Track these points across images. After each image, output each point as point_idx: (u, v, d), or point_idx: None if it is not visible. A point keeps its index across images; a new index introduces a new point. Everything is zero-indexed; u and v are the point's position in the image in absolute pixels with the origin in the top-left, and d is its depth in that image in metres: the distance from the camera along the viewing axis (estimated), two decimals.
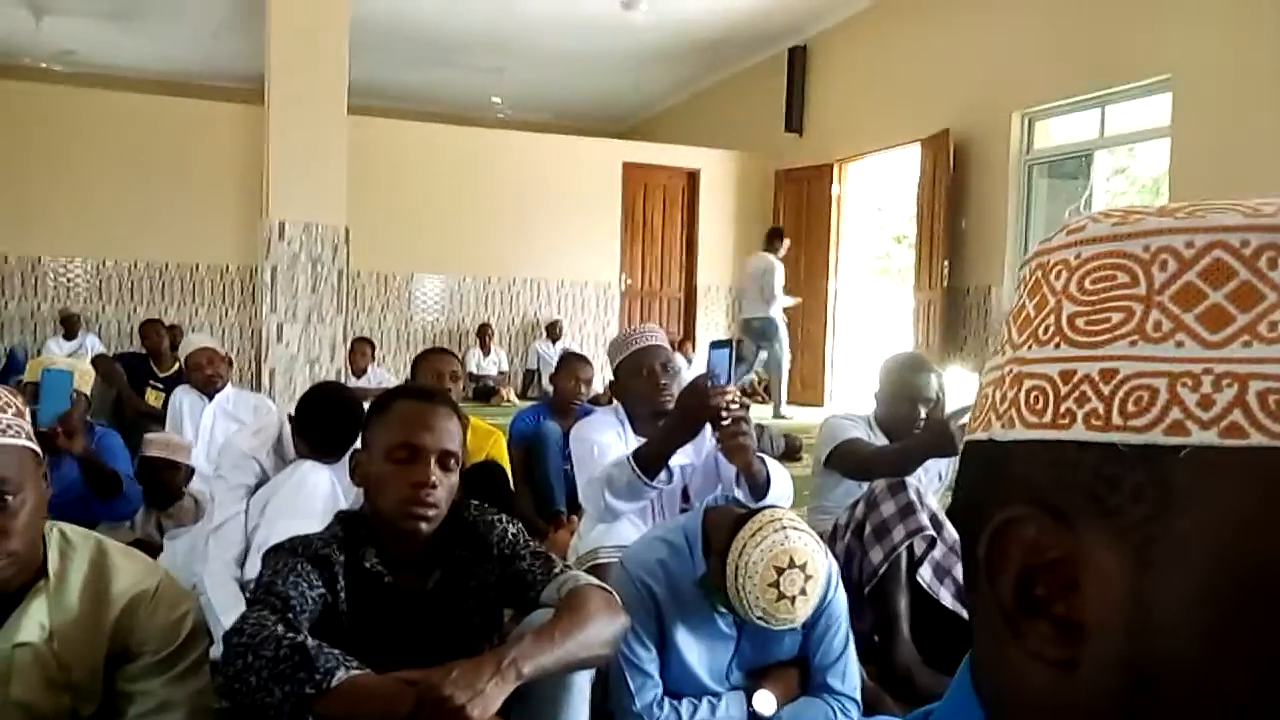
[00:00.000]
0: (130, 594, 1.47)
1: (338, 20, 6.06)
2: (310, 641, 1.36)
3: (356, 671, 1.35)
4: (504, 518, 1.74)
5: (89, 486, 3.15)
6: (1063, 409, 0.39)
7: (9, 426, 1.36)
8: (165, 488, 3.33)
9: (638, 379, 2.66)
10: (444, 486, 1.63)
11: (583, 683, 1.55)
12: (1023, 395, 0.41)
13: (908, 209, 10.28)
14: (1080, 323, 0.40)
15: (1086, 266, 0.41)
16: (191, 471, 3.46)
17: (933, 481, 2.99)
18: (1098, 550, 0.38)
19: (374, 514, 1.66)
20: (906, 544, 2.47)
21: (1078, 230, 0.42)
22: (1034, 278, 0.43)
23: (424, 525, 1.61)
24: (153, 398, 5.62)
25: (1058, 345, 0.40)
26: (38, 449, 1.42)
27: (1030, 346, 0.42)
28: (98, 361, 5.78)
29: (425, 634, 1.63)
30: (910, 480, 2.54)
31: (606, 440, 2.59)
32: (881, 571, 2.47)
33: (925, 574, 2.50)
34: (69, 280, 9.69)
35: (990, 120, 7.89)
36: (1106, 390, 0.38)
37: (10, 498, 1.34)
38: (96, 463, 3.17)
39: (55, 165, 9.27)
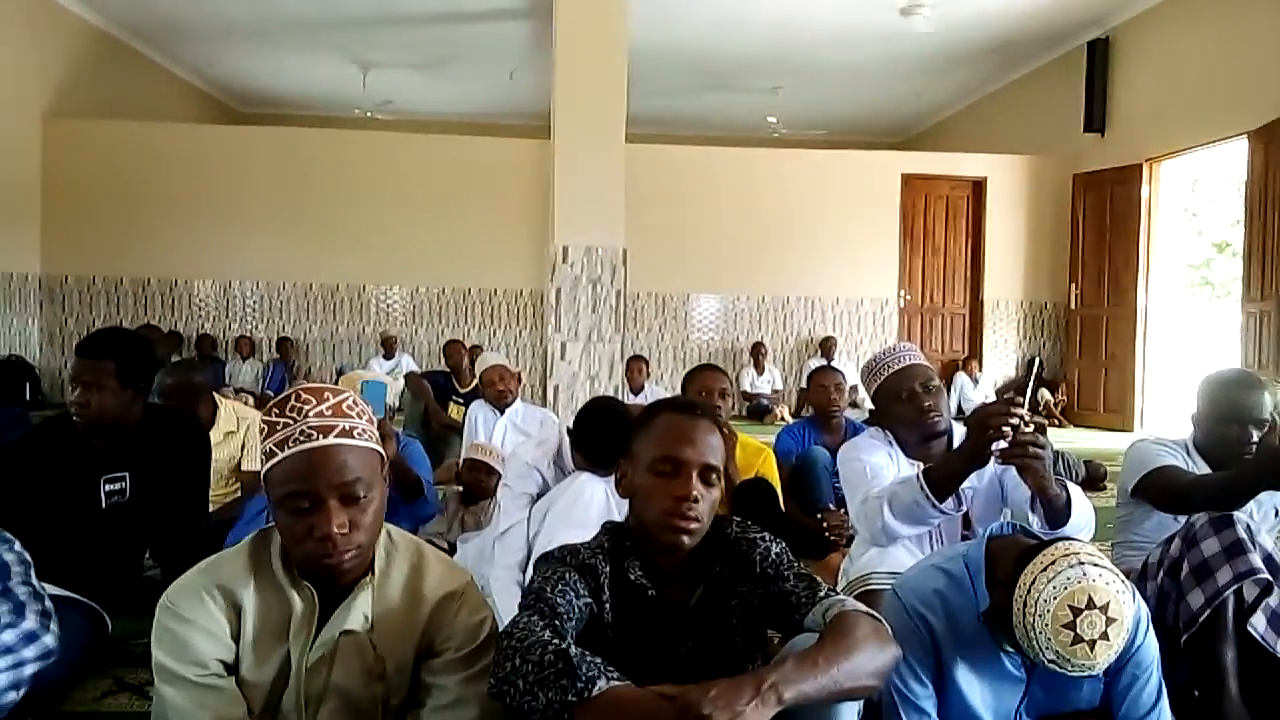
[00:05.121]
0: (441, 593, 1.56)
1: (616, 54, 6.35)
2: (574, 649, 1.38)
3: (617, 683, 1.35)
4: (767, 536, 1.70)
5: (395, 490, 3.45)
6: None
7: (364, 431, 1.50)
8: (480, 487, 3.81)
9: (898, 403, 2.51)
10: (705, 500, 1.61)
11: (848, 715, 1.46)
12: None
13: (1231, 212, 9.14)
14: None
15: None
16: (499, 479, 3.73)
17: (1267, 518, 2.61)
18: None
19: (638, 525, 1.67)
20: (1234, 588, 2.14)
21: None
22: None
23: (685, 539, 1.60)
24: (454, 411, 6.09)
25: None
26: (383, 452, 1.55)
27: None
28: (409, 379, 6.38)
29: (688, 649, 1.62)
30: (1239, 515, 2.20)
31: (879, 461, 2.46)
32: (1203, 619, 2.15)
33: (1259, 624, 2.15)
34: (388, 306, 10.84)
35: None
36: None
37: (363, 496, 1.46)
38: (403, 468, 3.46)
39: (376, 203, 10.46)
